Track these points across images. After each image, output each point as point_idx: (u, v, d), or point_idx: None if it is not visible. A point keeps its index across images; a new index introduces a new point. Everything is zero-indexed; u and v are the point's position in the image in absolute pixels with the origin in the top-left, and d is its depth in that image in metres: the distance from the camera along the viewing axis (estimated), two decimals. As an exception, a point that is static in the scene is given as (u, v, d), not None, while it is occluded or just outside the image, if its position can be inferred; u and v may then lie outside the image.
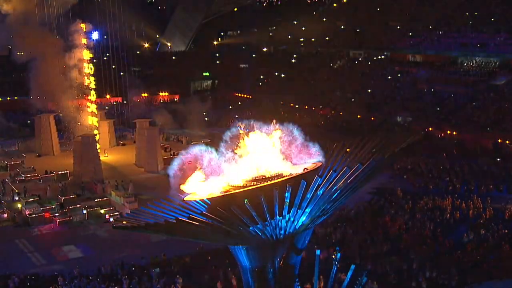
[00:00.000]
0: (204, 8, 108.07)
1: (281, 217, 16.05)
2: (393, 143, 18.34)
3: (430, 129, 57.82)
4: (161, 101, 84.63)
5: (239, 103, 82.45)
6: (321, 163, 18.54)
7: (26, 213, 39.00)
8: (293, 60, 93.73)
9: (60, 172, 47.62)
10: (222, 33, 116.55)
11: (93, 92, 54.94)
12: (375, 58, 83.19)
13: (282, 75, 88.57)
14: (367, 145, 18.98)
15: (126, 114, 69.42)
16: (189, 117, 64.69)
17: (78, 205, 40.34)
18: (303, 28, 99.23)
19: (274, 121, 18.17)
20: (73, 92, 56.01)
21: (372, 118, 64.89)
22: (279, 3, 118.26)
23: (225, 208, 15.27)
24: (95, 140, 50.85)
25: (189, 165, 17.24)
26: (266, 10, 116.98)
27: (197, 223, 15.55)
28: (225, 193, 16.67)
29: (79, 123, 55.73)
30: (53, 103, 57.48)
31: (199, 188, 17.16)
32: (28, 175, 47.40)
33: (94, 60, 56.57)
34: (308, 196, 15.99)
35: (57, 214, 39.12)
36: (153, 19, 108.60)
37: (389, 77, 75.68)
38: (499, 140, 53.44)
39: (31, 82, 57.26)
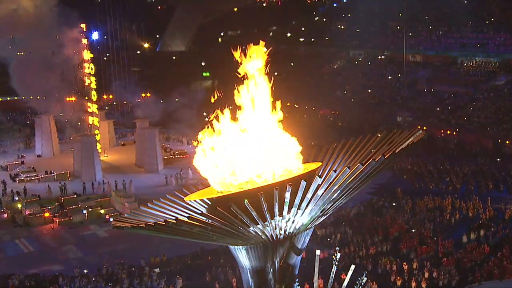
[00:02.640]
0: (204, 8, 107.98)
1: (281, 217, 16.04)
2: (394, 143, 18.28)
3: (430, 129, 57.78)
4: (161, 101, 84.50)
5: None
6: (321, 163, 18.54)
7: (26, 213, 39.01)
8: (293, 60, 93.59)
9: (60, 172, 47.64)
10: (222, 33, 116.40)
11: (94, 92, 54.89)
12: (375, 58, 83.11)
13: (282, 75, 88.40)
14: (367, 145, 18.95)
15: (126, 114, 69.29)
16: (188, 117, 64.44)
17: (78, 205, 40.39)
18: (303, 28, 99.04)
19: None
20: (68, 92, 55.83)
21: (372, 118, 64.83)
22: (279, 3, 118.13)
23: (225, 208, 15.25)
24: (95, 140, 50.84)
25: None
26: (266, 10, 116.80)
27: (197, 223, 15.54)
28: (225, 194, 16.66)
29: (78, 123, 55.66)
30: (49, 103, 57.14)
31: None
32: (28, 175, 47.42)
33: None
34: (308, 196, 15.97)
35: (57, 214, 39.17)
36: (153, 19, 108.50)
37: (389, 77, 75.64)
38: (499, 140, 53.41)
39: (24, 82, 56.58)
